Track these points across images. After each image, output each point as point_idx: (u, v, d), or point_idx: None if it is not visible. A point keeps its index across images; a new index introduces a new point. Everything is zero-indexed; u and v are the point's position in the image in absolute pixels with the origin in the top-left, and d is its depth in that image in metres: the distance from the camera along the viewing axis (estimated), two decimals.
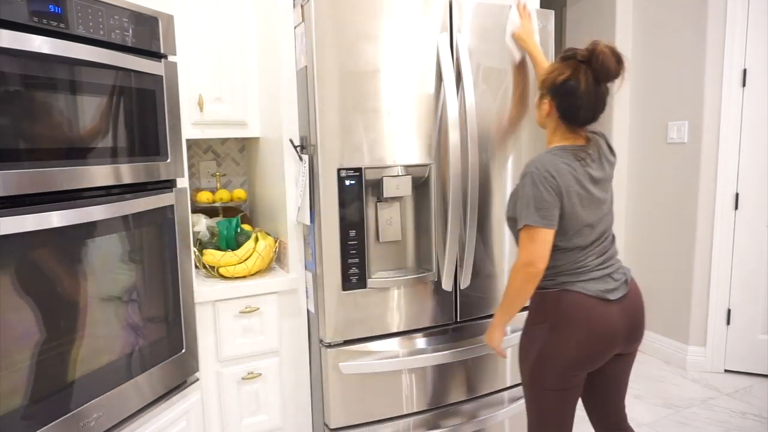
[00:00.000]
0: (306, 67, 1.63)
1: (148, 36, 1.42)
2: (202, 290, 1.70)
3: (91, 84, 1.26)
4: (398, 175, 1.69)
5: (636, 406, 2.63)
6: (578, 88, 1.37)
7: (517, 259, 1.41)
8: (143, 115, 1.41)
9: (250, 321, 1.78)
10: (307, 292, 1.84)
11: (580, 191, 1.38)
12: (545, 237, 1.36)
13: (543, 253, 1.36)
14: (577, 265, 1.42)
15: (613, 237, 1.52)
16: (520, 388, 1.98)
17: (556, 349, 1.42)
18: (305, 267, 1.83)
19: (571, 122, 1.44)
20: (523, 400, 1.97)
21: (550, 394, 1.46)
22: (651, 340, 3.23)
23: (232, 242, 1.91)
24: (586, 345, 1.40)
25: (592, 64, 1.35)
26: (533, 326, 1.48)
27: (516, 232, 1.44)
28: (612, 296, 1.41)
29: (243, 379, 1.80)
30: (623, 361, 1.52)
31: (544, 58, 1.80)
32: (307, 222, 1.73)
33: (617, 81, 1.39)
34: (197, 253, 1.84)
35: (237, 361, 1.79)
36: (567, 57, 1.41)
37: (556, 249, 1.40)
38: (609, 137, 1.62)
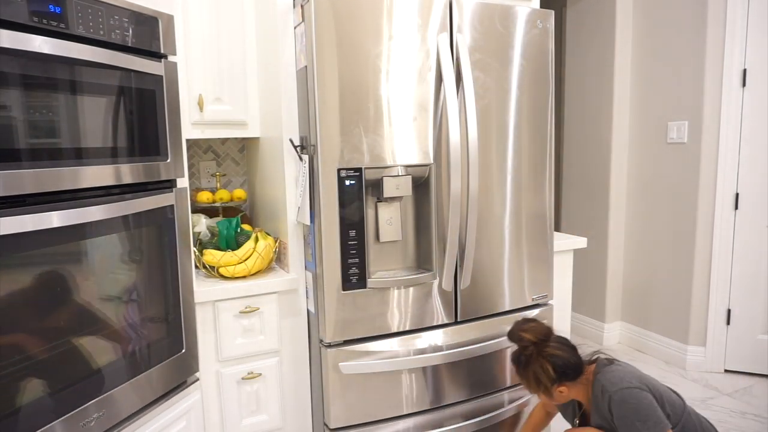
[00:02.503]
0: (306, 67, 1.63)
1: (148, 36, 1.42)
2: (202, 290, 1.70)
3: (91, 84, 1.26)
4: (398, 175, 1.69)
5: None
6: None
7: None
8: (143, 115, 1.41)
9: (250, 321, 1.78)
10: (307, 292, 1.84)
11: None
12: None
13: None
14: None
15: None
16: (520, 388, 1.99)
17: None
18: (305, 267, 1.83)
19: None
20: (522, 400, 1.98)
21: None
22: (651, 340, 3.23)
23: (232, 242, 1.91)
24: None
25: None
26: None
27: None
28: None
29: (243, 379, 1.80)
30: None
31: None
32: (307, 222, 1.73)
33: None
34: (197, 253, 1.84)
35: (237, 361, 1.79)
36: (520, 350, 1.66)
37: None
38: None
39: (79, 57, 1.21)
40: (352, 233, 1.66)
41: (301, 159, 1.73)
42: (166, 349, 1.52)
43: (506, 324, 1.92)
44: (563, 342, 1.65)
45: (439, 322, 1.82)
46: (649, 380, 1.59)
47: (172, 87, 1.50)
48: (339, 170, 1.62)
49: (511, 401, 1.97)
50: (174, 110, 1.51)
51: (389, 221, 1.73)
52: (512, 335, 1.68)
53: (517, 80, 1.83)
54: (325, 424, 1.75)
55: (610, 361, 1.64)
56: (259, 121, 2.02)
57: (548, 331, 1.65)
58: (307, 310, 1.86)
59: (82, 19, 1.22)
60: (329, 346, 1.69)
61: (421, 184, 1.76)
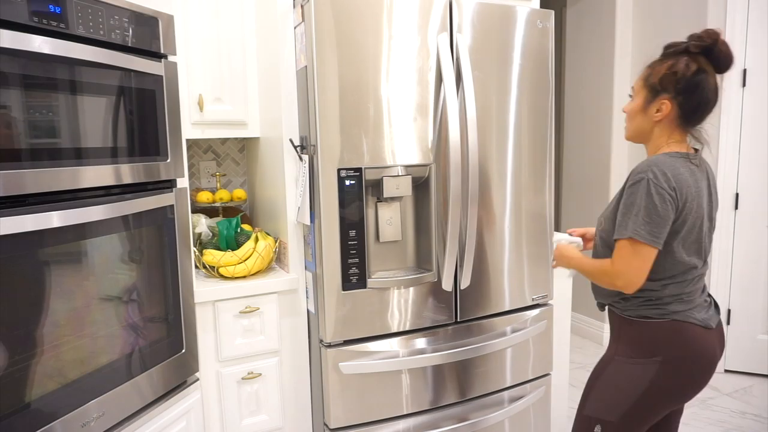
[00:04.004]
0: (306, 67, 1.63)
1: (148, 36, 1.42)
2: (202, 290, 1.70)
3: (91, 84, 1.26)
4: (398, 175, 1.69)
5: None
6: (709, 81, 1.26)
7: (608, 265, 1.30)
8: (143, 115, 1.41)
9: (250, 321, 1.78)
10: (307, 292, 1.84)
11: (701, 203, 1.29)
12: (650, 256, 1.25)
13: (644, 274, 1.26)
14: (688, 290, 1.32)
15: None
16: (520, 388, 1.98)
17: (671, 386, 1.31)
18: (305, 267, 1.83)
19: (694, 123, 1.32)
20: (523, 400, 1.97)
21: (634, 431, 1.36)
22: None
23: (232, 242, 1.91)
24: (700, 378, 1.32)
25: (714, 53, 1.25)
26: (634, 360, 1.33)
27: (611, 242, 1.33)
28: (713, 323, 1.33)
29: (243, 379, 1.80)
30: None
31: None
32: (307, 222, 1.73)
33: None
34: (197, 253, 1.84)
35: (237, 361, 1.79)
36: (676, 51, 1.28)
37: (667, 275, 1.30)
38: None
39: (79, 57, 1.20)
40: (352, 233, 1.66)
41: (301, 159, 1.73)
42: (166, 349, 1.52)
43: (506, 324, 1.92)
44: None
45: (439, 323, 1.81)
46: (691, 198, 1.26)
47: (172, 87, 1.50)
48: (339, 170, 1.62)
49: (511, 401, 1.97)
50: (174, 110, 1.51)
51: (389, 221, 1.73)
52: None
53: (517, 80, 1.83)
54: (325, 424, 1.75)
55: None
56: (259, 121, 2.02)
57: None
58: (307, 310, 1.86)
59: (82, 19, 1.22)
60: (329, 346, 1.69)
61: (421, 184, 1.76)
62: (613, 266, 1.28)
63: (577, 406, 1.48)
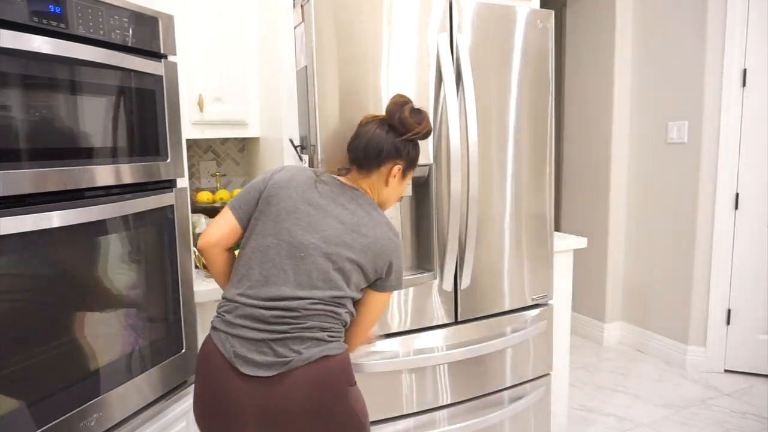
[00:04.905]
0: (306, 67, 1.63)
1: (148, 36, 1.42)
2: (202, 290, 1.70)
3: (91, 84, 1.26)
4: None
5: (636, 405, 2.64)
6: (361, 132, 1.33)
7: None
8: (143, 115, 1.41)
9: None
10: None
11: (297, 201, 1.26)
12: (225, 216, 1.30)
13: (212, 230, 1.30)
14: (231, 291, 1.26)
15: (323, 301, 1.22)
16: (520, 388, 1.99)
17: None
18: None
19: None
20: (522, 400, 1.97)
21: None
22: (651, 340, 3.23)
23: None
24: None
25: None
26: None
27: None
28: (243, 368, 1.18)
29: None
30: None
31: None
32: None
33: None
34: (197, 253, 1.84)
35: None
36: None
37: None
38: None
39: (80, 57, 1.20)
40: None
41: (301, 159, 1.73)
42: (166, 349, 1.52)
43: (506, 324, 1.92)
44: None
45: (439, 322, 1.81)
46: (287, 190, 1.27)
47: (172, 87, 1.50)
48: (339, 170, 1.62)
49: (511, 401, 1.97)
50: (174, 110, 1.51)
51: None
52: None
53: (517, 80, 1.83)
54: None
55: None
56: (259, 121, 2.02)
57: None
58: None
59: (82, 19, 1.22)
60: None
61: (421, 185, 1.76)
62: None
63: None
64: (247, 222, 1.30)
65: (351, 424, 1.22)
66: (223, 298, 1.28)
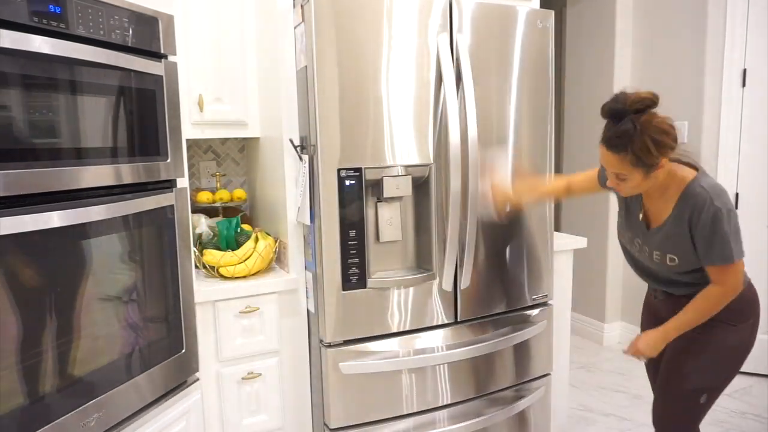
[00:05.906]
0: (306, 67, 1.63)
1: (148, 36, 1.42)
2: (202, 290, 1.70)
3: (91, 84, 1.26)
4: (398, 175, 1.69)
5: (636, 405, 2.63)
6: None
7: (716, 288, 1.48)
8: (143, 115, 1.41)
9: (250, 321, 1.78)
10: (307, 292, 1.84)
11: None
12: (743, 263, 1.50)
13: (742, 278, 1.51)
14: None
15: None
16: (520, 387, 1.99)
17: (753, 341, 1.54)
18: (305, 267, 1.83)
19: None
20: (523, 400, 1.97)
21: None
22: None
23: (232, 242, 1.91)
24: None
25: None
26: (737, 327, 1.53)
27: (692, 273, 1.52)
28: None
29: (243, 379, 1.80)
30: None
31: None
32: (307, 222, 1.73)
33: None
34: (197, 253, 1.84)
35: (237, 361, 1.79)
36: (621, 115, 1.51)
37: None
38: None
39: (79, 57, 1.20)
40: (352, 233, 1.66)
41: (301, 159, 1.73)
42: (166, 349, 1.52)
43: (506, 324, 1.92)
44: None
45: (439, 322, 1.82)
46: None
47: (172, 87, 1.50)
48: (339, 170, 1.62)
49: (511, 401, 1.97)
50: (174, 110, 1.51)
51: (389, 221, 1.73)
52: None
53: (517, 80, 1.83)
54: (325, 424, 1.75)
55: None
56: (259, 121, 2.02)
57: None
58: (307, 310, 1.86)
59: (82, 19, 1.22)
60: (329, 346, 1.69)
61: (421, 184, 1.76)
62: (727, 287, 1.48)
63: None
64: None
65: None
66: None
